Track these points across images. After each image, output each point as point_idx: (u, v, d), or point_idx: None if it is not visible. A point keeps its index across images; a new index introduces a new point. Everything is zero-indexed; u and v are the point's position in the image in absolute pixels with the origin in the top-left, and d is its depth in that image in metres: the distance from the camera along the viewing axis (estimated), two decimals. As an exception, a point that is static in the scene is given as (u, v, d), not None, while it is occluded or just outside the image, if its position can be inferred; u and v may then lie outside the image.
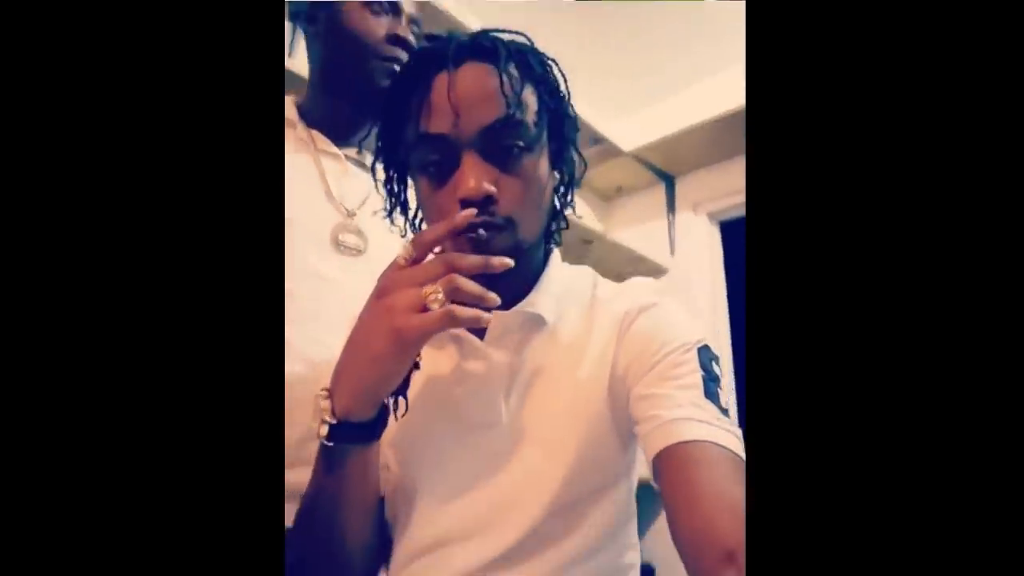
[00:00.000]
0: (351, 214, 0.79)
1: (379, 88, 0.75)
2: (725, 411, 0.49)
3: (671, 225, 2.05)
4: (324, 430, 0.47)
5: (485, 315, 0.45)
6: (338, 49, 0.77)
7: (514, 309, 0.56)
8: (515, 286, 0.56)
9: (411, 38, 0.77)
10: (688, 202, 2.07)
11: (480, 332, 0.56)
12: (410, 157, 0.54)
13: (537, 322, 0.56)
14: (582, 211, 2.18)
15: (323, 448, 0.49)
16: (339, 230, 0.77)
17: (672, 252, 2.03)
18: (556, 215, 0.60)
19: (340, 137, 0.83)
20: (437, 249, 0.49)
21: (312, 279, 0.74)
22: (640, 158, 2.01)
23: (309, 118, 0.82)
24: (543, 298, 0.57)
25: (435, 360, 0.58)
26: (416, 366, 0.49)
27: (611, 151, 1.96)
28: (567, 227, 0.63)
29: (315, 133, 0.81)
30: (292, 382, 0.65)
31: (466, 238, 0.49)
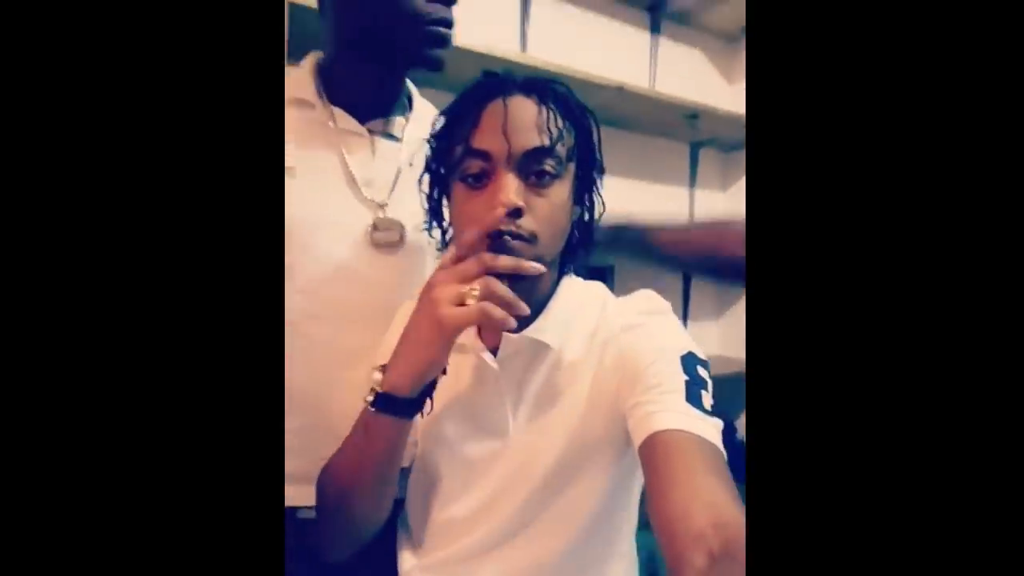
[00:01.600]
0: (382, 205, 0.76)
1: (425, 56, 0.72)
2: (708, 412, 0.53)
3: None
4: (371, 397, 0.58)
5: (511, 321, 0.53)
6: (369, 10, 0.71)
7: (522, 334, 0.62)
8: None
9: None
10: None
11: (495, 350, 0.64)
12: (453, 168, 0.61)
13: (543, 347, 0.63)
14: (696, 66, 1.93)
15: (366, 414, 0.59)
16: (374, 229, 0.75)
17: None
18: (572, 248, 0.66)
19: (368, 109, 0.77)
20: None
21: (349, 280, 0.74)
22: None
23: (332, 89, 0.77)
24: (549, 324, 0.63)
25: (459, 368, 0.66)
26: (443, 371, 0.59)
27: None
28: (584, 260, 0.69)
29: (336, 111, 0.76)
30: (338, 383, 0.73)
31: (495, 243, 0.57)
